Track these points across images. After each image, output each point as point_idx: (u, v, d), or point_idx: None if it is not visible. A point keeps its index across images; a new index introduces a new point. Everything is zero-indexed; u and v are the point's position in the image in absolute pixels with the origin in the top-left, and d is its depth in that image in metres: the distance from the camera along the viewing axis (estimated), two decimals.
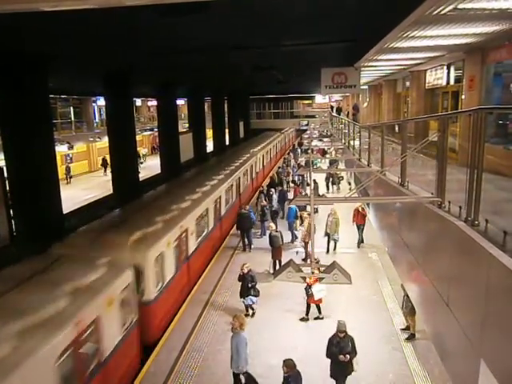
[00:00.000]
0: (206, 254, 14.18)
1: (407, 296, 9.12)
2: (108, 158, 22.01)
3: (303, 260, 13.57)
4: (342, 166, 22.68)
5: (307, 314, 10.50)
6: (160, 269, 9.78)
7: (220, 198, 16.02)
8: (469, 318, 3.89)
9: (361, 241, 15.53)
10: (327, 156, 25.43)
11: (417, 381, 8.11)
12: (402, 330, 9.83)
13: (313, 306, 10.50)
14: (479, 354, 3.52)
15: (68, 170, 31.18)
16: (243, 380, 7.92)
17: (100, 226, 10.66)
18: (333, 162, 24.67)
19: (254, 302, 10.52)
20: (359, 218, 15.44)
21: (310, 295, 10.08)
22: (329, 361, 7.70)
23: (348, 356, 7.42)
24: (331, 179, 24.15)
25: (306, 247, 14.08)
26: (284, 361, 6.94)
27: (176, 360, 8.94)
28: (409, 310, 9.39)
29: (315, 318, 10.46)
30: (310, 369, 7.83)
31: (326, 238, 14.83)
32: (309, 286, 10.03)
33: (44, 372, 5.42)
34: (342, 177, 25.32)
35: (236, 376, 7.95)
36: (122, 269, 7.99)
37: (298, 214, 15.74)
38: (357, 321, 10.14)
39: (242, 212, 15.78)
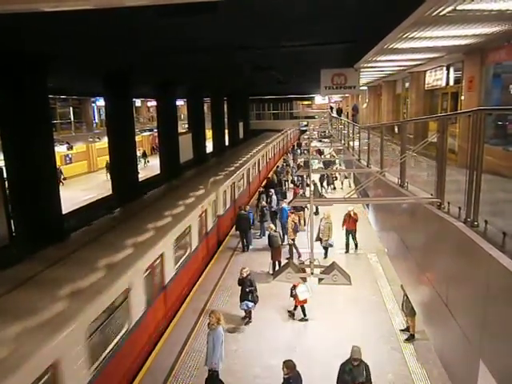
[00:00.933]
0: (188, 278, 12.23)
1: (407, 297, 9.13)
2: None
3: (287, 259, 13.68)
4: (339, 166, 22.81)
5: (294, 309, 10.62)
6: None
7: (206, 211, 14.18)
8: (468, 319, 3.89)
9: (355, 246, 14.99)
10: (322, 157, 25.41)
11: (416, 381, 8.11)
12: (402, 330, 9.83)
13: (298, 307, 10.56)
14: (478, 354, 3.52)
15: (60, 172, 30.58)
16: (210, 375, 7.70)
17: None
18: (327, 163, 24.75)
19: (248, 307, 10.31)
20: (350, 223, 14.87)
21: (294, 296, 10.29)
22: (329, 362, 7.70)
23: None
24: (326, 179, 24.13)
25: (293, 246, 14.39)
26: (284, 362, 6.92)
27: (175, 361, 8.94)
28: (409, 311, 9.39)
29: (300, 320, 10.46)
30: (310, 370, 7.83)
31: (319, 242, 14.05)
32: (293, 287, 10.21)
33: None
34: (336, 177, 25.31)
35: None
36: None
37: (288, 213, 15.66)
38: (356, 321, 10.18)
39: (241, 213, 15.79)
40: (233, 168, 20.24)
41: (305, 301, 10.29)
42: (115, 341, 7.55)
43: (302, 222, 17.39)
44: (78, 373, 6.18)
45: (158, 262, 9.70)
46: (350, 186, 24.57)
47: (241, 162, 22.39)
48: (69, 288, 6.81)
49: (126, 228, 10.21)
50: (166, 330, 10.06)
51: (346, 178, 25.23)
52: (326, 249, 14.27)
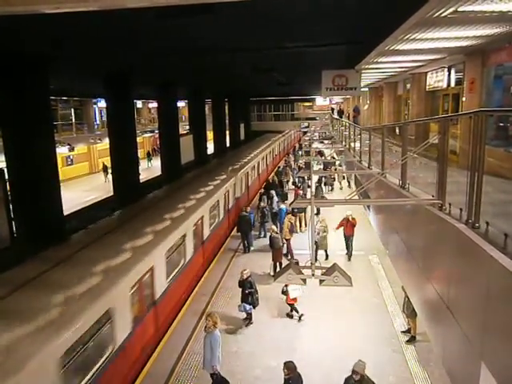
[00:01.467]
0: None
1: (408, 298, 9.11)
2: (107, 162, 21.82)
3: (285, 255, 14.14)
4: (338, 167, 22.79)
5: (291, 311, 10.69)
6: None
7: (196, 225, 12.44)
8: (469, 321, 3.88)
9: (350, 253, 14.37)
10: (322, 158, 25.43)
11: (417, 383, 8.09)
12: (403, 332, 9.81)
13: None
14: (480, 356, 3.51)
15: None
16: (214, 378, 7.74)
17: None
18: (327, 164, 24.74)
19: (246, 310, 10.29)
20: (348, 228, 14.24)
21: (285, 292, 10.45)
22: (329, 364, 7.68)
23: None
24: (324, 180, 24.13)
25: (287, 244, 14.55)
26: (285, 363, 6.92)
27: (176, 362, 8.93)
28: (410, 312, 9.37)
29: (287, 314, 10.64)
30: (310, 371, 7.81)
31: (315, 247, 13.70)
32: (285, 286, 10.33)
33: None
34: (334, 178, 25.34)
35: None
36: None
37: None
38: (357, 323, 10.16)
39: (243, 214, 15.83)
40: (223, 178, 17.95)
41: (295, 299, 10.47)
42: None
43: (303, 223, 17.42)
44: None
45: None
46: (349, 187, 24.75)
47: (239, 166, 21.41)
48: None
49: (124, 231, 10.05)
50: (167, 332, 10.05)
51: (343, 178, 25.38)
52: (325, 250, 14.28)
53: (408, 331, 9.70)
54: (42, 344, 5.49)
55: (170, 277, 10.43)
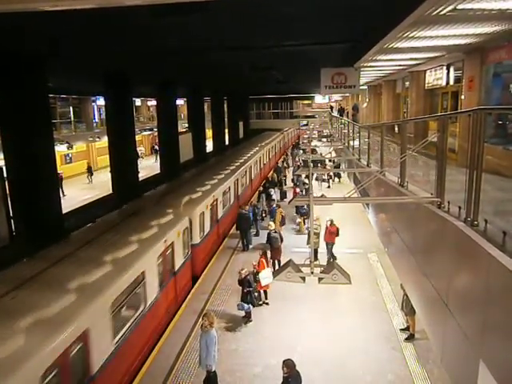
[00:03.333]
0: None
1: (406, 296, 9.13)
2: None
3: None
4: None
5: (261, 299, 11.03)
6: None
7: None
8: (468, 319, 3.89)
9: (334, 258, 13.56)
10: (311, 156, 25.65)
11: (416, 381, 8.11)
12: (402, 330, 9.83)
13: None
14: (478, 354, 3.52)
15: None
16: (207, 376, 7.77)
17: None
18: (318, 162, 24.92)
19: (243, 309, 10.35)
20: (328, 235, 13.78)
21: (257, 281, 10.71)
22: (329, 362, 7.71)
23: None
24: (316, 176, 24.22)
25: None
26: (284, 361, 6.93)
27: (175, 360, 8.94)
28: (408, 310, 9.39)
29: (259, 305, 10.91)
30: (309, 370, 7.83)
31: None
32: (257, 272, 10.72)
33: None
34: (331, 176, 25.86)
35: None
36: None
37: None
38: (356, 321, 10.19)
39: (242, 212, 15.84)
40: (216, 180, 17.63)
41: (266, 286, 10.78)
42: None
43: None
44: None
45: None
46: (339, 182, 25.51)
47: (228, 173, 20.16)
48: None
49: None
50: (166, 330, 10.07)
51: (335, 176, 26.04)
52: (316, 249, 14.04)
53: (407, 329, 9.73)
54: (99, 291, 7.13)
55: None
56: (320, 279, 4.94)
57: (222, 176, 18.28)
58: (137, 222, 11.03)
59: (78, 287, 7.08)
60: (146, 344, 9.09)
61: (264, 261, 11.59)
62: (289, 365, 6.87)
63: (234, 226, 17.10)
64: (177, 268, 11.28)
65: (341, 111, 32.70)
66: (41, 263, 7.65)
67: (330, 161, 25.03)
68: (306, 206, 16.30)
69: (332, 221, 13.91)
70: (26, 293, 6.57)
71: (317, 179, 24.47)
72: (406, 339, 9.51)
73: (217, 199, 15.75)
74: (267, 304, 11.17)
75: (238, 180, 19.76)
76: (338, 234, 13.89)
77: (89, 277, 7.46)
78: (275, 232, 13.70)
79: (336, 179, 26.30)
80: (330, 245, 13.98)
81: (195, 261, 13.08)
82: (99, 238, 9.42)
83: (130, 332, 8.17)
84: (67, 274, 7.40)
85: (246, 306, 10.28)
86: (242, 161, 22.94)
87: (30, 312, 6.08)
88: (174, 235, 11.15)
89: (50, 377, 5.57)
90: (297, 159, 29.52)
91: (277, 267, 13.09)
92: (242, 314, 10.50)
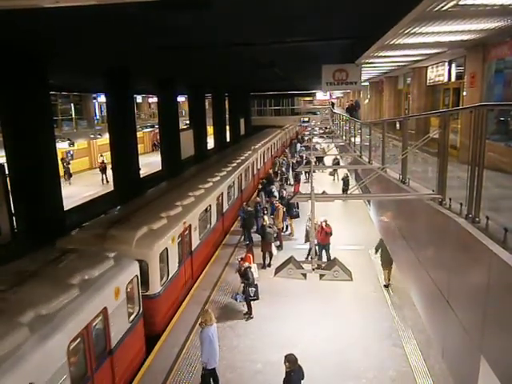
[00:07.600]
0: None
1: (385, 248, 10.22)
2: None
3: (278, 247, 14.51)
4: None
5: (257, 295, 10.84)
6: None
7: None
8: (469, 315, 3.90)
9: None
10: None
11: (417, 377, 8.13)
12: (385, 286, 11.64)
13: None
14: (479, 350, 3.53)
15: (67, 166, 30.67)
16: (204, 373, 7.81)
17: None
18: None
19: (236, 300, 10.61)
20: (322, 236, 13.01)
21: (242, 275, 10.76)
22: (330, 358, 7.72)
23: None
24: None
25: (278, 234, 14.92)
26: (286, 356, 6.94)
27: (177, 356, 8.97)
28: (385, 262, 10.88)
29: (252, 299, 10.66)
30: (311, 365, 7.84)
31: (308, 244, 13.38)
32: (242, 266, 10.76)
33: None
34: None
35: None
36: None
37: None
38: (357, 317, 10.20)
39: (248, 209, 15.95)
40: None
41: None
42: None
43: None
44: None
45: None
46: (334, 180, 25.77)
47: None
48: None
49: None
50: (167, 327, 10.10)
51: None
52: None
53: (388, 286, 11.51)
54: None
55: None
56: (321, 276, 4.94)
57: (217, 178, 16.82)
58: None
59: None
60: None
61: (250, 256, 11.78)
62: (291, 359, 6.88)
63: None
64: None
65: (351, 110, 27.03)
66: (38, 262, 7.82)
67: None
68: (296, 208, 16.32)
69: (326, 221, 13.19)
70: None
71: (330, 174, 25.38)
72: (385, 286, 11.61)
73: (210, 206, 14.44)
74: (258, 299, 10.64)
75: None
76: (331, 234, 13.26)
77: None
78: (269, 227, 13.80)
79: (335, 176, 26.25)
80: (326, 246, 13.24)
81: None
82: None
83: None
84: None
85: (239, 297, 10.55)
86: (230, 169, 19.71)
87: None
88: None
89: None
90: (296, 155, 29.42)
91: (267, 259, 13.61)
92: (244, 310, 10.53)
